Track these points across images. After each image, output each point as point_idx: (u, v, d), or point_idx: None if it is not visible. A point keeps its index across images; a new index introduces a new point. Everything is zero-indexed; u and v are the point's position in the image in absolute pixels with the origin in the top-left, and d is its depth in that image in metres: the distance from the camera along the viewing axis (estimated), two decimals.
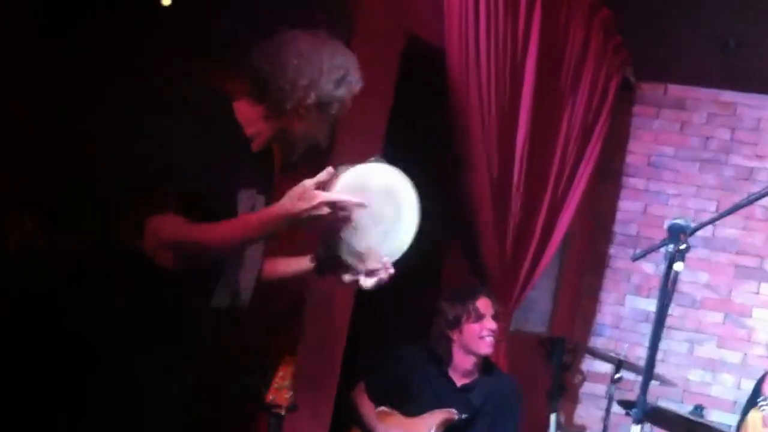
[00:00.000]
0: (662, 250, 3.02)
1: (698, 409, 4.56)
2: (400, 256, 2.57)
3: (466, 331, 4.11)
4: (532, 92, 4.47)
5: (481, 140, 4.15)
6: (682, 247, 2.98)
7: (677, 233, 2.98)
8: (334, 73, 2.49)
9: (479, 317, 4.12)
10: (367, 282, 2.50)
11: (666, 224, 3.01)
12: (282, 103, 2.47)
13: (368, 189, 2.45)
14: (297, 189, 2.33)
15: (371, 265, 2.48)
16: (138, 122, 2.61)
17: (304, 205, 2.31)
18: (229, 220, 2.37)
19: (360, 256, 2.47)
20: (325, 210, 2.32)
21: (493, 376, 4.22)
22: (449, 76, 3.92)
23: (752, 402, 4.65)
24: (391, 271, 2.52)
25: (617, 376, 4.88)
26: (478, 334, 4.11)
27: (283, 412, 2.67)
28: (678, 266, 2.97)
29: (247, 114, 2.50)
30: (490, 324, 4.13)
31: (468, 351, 4.14)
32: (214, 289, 2.42)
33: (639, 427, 2.90)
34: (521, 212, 4.63)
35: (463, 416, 4.02)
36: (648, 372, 2.98)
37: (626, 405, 4.80)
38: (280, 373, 2.71)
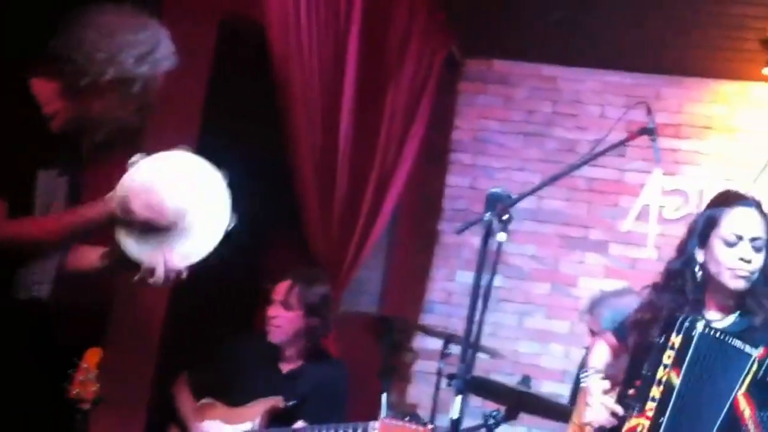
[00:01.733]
0: (496, 225, 3.10)
1: (525, 379, 4.66)
2: (205, 250, 2.48)
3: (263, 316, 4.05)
4: (356, 68, 4.47)
5: (305, 116, 4.13)
6: (505, 217, 3.06)
7: (495, 202, 3.07)
8: (137, 48, 2.39)
9: (270, 302, 4.03)
10: (156, 280, 2.41)
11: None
12: (78, 79, 2.36)
13: (168, 183, 2.38)
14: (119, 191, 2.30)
15: (162, 262, 2.39)
16: None
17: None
18: (58, 214, 2.30)
19: (151, 254, 2.39)
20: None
21: (321, 362, 4.19)
22: (270, 51, 3.87)
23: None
24: (182, 268, 2.44)
25: (446, 351, 4.93)
26: (267, 321, 4.04)
27: (88, 407, 2.59)
28: (501, 237, 3.07)
29: (44, 91, 2.38)
30: (273, 311, 4.02)
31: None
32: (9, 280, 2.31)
33: (460, 397, 2.97)
34: (347, 190, 4.63)
35: (290, 404, 3.96)
36: (467, 342, 3.04)
37: (452, 378, 4.86)
38: (84, 366, 2.62)
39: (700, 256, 2.92)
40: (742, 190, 3.09)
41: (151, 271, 2.40)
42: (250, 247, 4.45)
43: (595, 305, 4.13)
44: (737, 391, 2.72)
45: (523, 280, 6.10)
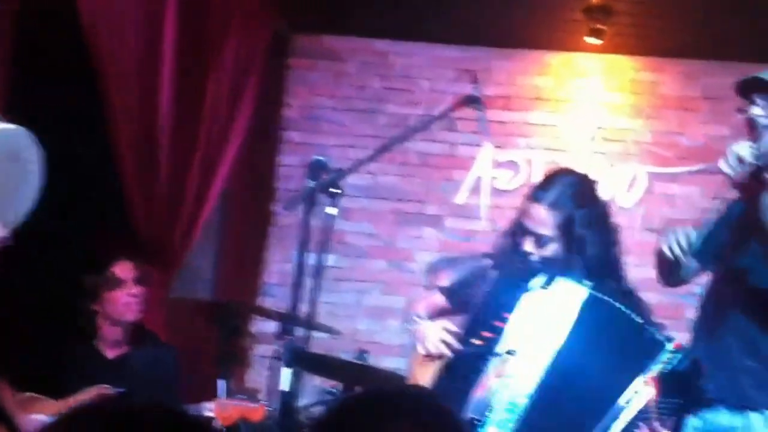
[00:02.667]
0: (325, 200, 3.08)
1: (361, 354, 4.69)
2: (21, 219, 2.44)
3: (108, 300, 3.98)
4: (174, 48, 4.37)
5: (121, 95, 4.01)
6: (335, 191, 3.06)
7: (318, 170, 3.06)
8: None
9: (119, 283, 4.01)
10: None
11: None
12: None
13: None
14: None
15: None
16: None
17: None
18: None
19: None
20: None
21: (149, 347, 4.16)
22: (83, 26, 3.75)
23: None
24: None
25: (282, 333, 4.89)
26: (122, 302, 4.01)
27: None
28: (332, 210, 3.06)
29: None
30: (131, 289, 4.04)
31: (114, 321, 4.04)
32: None
33: (289, 370, 2.96)
34: (171, 171, 4.54)
35: (118, 391, 3.87)
36: (293, 314, 3.02)
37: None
38: None
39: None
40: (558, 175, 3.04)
41: None
42: (70, 238, 4.33)
43: (436, 266, 4.21)
44: (642, 374, 2.72)
45: (360, 258, 6.13)
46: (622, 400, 2.69)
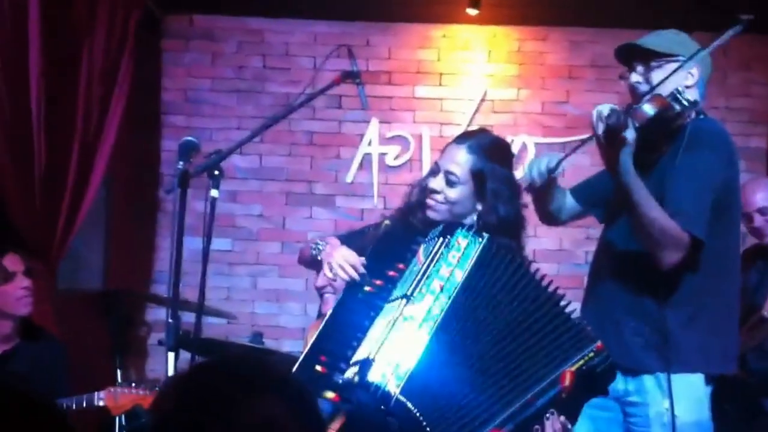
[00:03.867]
0: (209, 183, 3.08)
1: (256, 336, 4.71)
2: None
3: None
4: (40, 34, 4.33)
5: None
6: (216, 173, 3.07)
7: (187, 151, 3.07)
8: None
9: (9, 276, 3.99)
10: None
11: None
12: None
13: None
14: None
15: None
16: None
17: None
18: None
19: None
20: None
21: (37, 341, 4.14)
22: None
23: None
24: None
25: (169, 320, 4.89)
26: (14, 295, 3.97)
27: None
28: (213, 193, 3.07)
29: None
30: (22, 282, 4.02)
31: (4, 315, 3.99)
32: None
33: (173, 354, 2.96)
34: (47, 160, 4.50)
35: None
36: (174, 301, 3.03)
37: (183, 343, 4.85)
38: None
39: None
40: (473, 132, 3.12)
41: None
42: None
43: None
44: (565, 366, 2.71)
45: (253, 241, 6.14)
46: (537, 386, 2.67)
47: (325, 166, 6.19)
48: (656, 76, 3.06)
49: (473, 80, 6.24)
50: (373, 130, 6.16)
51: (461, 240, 2.77)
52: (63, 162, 4.71)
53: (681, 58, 3.05)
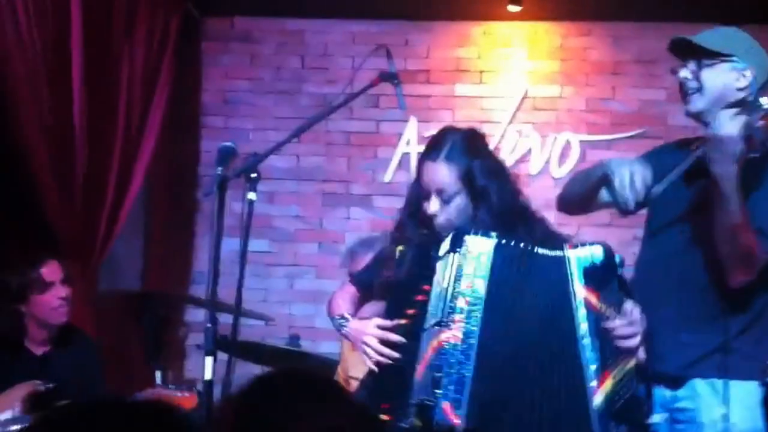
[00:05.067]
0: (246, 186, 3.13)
1: (294, 339, 4.76)
2: None
3: (36, 303, 4.03)
4: (82, 39, 4.40)
5: (28, 83, 4.05)
6: (253, 176, 3.11)
7: (226, 157, 3.11)
8: None
9: (47, 286, 4.05)
10: None
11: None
12: None
13: None
14: None
15: None
16: None
17: None
18: None
19: None
20: None
21: (75, 342, 4.24)
22: None
23: None
24: None
25: (208, 324, 4.95)
26: (50, 306, 4.07)
27: None
28: (251, 196, 3.10)
29: None
30: (59, 291, 4.07)
31: (41, 323, 4.08)
32: None
33: (211, 358, 3.00)
34: (89, 165, 4.58)
35: (49, 386, 3.96)
36: (212, 300, 3.07)
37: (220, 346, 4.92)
38: None
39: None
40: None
41: None
42: None
43: (353, 250, 4.28)
44: (572, 288, 2.76)
45: (289, 242, 6.18)
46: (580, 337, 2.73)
47: (362, 166, 6.22)
48: (707, 74, 3.04)
49: (514, 77, 6.22)
50: (411, 129, 6.17)
51: (471, 246, 2.77)
52: (104, 166, 4.80)
53: (734, 58, 3.01)
